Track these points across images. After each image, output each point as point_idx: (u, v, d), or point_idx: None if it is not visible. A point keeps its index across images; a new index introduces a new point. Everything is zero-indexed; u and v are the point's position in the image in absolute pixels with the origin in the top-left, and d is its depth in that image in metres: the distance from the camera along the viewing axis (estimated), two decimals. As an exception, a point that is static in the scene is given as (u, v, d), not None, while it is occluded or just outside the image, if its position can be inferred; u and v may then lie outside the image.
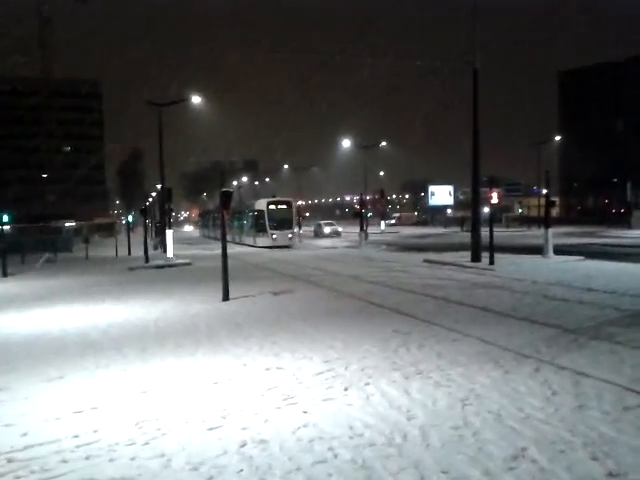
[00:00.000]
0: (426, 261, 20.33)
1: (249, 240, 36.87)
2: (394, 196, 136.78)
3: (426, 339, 8.02)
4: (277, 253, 29.10)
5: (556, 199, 38.99)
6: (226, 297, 12.61)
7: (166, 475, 4.18)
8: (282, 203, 35.83)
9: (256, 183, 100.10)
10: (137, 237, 38.98)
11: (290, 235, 34.72)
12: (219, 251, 13.48)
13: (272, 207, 34.77)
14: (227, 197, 13.28)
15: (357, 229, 32.92)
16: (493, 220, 18.56)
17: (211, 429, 4.99)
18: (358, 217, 34.56)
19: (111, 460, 4.44)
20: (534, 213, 55.93)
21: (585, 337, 7.80)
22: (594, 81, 78.15)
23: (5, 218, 20.94)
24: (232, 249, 26.10)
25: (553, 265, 17.60)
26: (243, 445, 4.62)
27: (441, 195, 67.16)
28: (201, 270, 20.55)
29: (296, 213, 38.44)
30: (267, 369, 6.86)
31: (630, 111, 74.11)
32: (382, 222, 55.43)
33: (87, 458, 4.49)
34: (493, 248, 17.54)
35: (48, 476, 4.24)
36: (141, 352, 8.00)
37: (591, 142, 72.99)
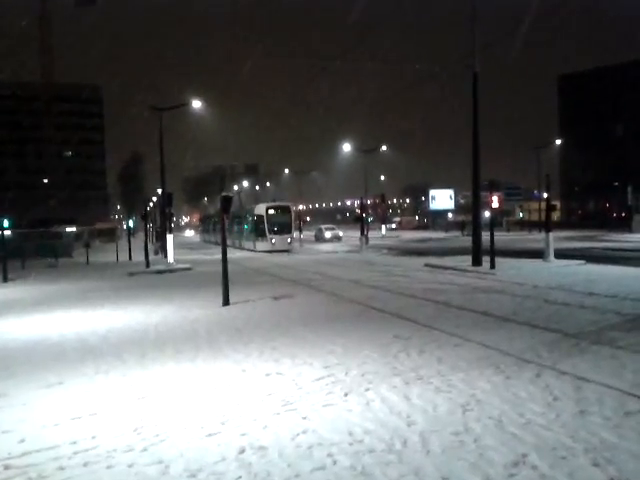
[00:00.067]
0: (427, 265, 20.31)
1: (249, 245, 36.98)
2: (395, 200, 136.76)
3: (427, 344, 7.98)
4: (277, 258, 29.10)
5: (557, 203, 38.87)
6: (226, 302, 12.59)
7: (164, 482, 4.15)
8: (281, 208, 36.20)
9: (257, 188, 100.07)
10: (138, 242, 38.97)
11: (289, 240, 34.86)
12: (219, 256, 13.47)
13: (271, 212, 35.02)
14: (227, 202, 13.28)
15: (358, 233, 32.97)
16: (494, 224, 18.53)
17: (210, 435, 4.96)
18: (359, 221, 34.66)
19: (109, 467, 4.41)
20: (535, 217, 55.83)
21: (586, 342, 7.76)
22: (594, 85, 78.14)
23: (6, 223, 20.96)
24: (232, 254, 26.09)
25: (554, 269, 17.55)
26: (242, 451, 4.59)
27: (442, 199, 67.25)
28: (201, 275, 20.54)
29: (295, 218, 38.63)
30: (267, 375, 6.83)
31: (630, 115, 74.12)
32: (383, 226, 55.45)
33: (85, 465, 4.46)
34: (494, 252, 17.50)
35: (45, 483, 4.20)
36: (141, 358, 7.98)
37: (592, 146, 72.92)
